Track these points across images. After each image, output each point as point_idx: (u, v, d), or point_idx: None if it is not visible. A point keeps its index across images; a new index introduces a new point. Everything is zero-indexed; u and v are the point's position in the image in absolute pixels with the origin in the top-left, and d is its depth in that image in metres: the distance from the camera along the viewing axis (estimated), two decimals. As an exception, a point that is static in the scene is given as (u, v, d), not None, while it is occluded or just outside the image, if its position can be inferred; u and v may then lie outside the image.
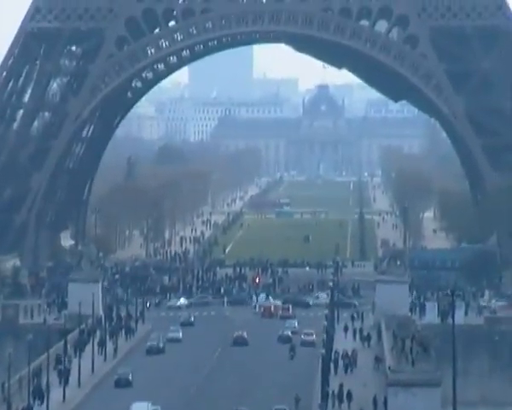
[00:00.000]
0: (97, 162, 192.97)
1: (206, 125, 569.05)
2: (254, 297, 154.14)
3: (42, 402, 65.64)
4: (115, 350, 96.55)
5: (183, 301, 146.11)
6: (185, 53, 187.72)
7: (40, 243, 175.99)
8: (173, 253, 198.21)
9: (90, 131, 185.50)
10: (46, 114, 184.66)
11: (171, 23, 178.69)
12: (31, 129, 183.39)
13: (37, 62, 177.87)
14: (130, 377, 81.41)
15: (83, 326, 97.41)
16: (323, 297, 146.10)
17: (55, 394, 71.92)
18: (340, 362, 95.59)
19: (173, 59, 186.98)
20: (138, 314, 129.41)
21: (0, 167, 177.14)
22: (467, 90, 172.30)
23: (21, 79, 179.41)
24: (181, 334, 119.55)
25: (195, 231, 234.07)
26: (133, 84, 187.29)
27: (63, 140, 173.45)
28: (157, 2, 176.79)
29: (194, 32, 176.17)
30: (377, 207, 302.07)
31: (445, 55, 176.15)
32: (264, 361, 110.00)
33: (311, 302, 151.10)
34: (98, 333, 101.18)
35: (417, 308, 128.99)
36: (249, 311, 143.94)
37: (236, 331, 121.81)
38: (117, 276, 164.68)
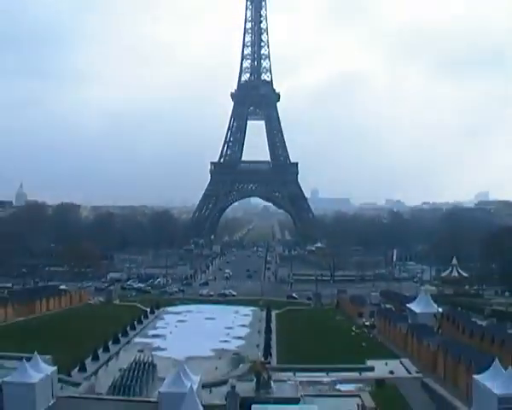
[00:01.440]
0: (219, 220, 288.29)
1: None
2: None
3: None
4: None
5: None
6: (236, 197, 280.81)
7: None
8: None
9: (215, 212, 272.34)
10: (210, 205, 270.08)
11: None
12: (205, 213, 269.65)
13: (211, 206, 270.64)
14: None
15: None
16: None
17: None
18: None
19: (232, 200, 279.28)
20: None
21: (194, 223, 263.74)
22: (295, 210, 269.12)
23: (208, 212, 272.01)
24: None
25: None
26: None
27: (212, 214, 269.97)
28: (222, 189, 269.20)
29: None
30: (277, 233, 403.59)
31: (295, 205, 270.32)
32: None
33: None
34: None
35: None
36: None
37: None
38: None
